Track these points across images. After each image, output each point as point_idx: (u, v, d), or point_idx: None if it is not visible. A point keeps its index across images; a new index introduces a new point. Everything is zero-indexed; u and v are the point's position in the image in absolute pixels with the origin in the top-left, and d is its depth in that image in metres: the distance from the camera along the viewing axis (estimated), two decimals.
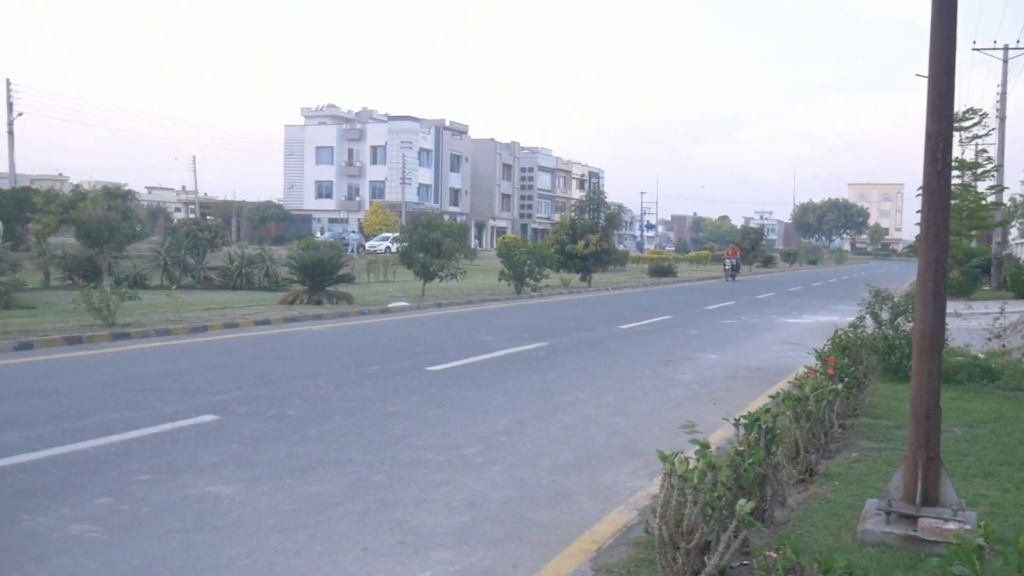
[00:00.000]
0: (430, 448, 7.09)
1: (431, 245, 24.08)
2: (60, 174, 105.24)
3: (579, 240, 33.83)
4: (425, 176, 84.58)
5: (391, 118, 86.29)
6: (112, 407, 8.28)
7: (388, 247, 53.37)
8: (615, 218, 36.39)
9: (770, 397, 6.29)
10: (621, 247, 65.34)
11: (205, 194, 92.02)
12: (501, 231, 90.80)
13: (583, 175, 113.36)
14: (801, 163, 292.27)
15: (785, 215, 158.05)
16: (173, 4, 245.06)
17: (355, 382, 10.09)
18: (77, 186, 54.25)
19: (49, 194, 39.66)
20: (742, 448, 5.04)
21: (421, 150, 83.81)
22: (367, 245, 59.56)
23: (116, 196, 35.38)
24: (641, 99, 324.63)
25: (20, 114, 52.20)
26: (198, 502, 5.52)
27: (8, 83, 52.20)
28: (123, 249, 27.50)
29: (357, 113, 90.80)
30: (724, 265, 47.52)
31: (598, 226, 34.81)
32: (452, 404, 9.00)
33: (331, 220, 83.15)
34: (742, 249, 54.11)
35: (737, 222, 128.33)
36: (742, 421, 5.42)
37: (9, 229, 29.70)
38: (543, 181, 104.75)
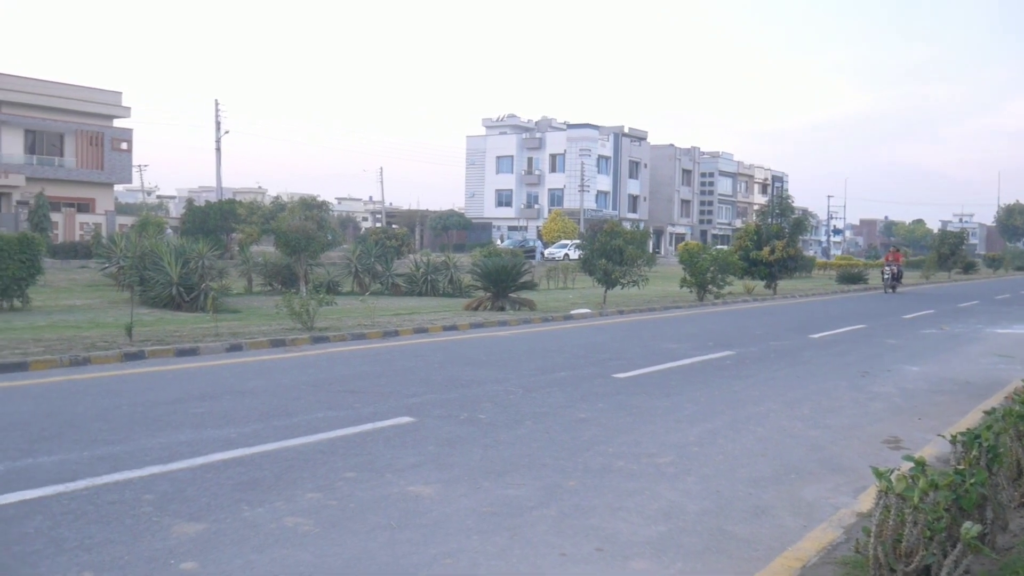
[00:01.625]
0: (621, 456, 7.04)
1: (613, 252, 24.00)
2: (260, 187, 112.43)
3: (764, 246, 32.84)
4: (604, 183, 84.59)
5: (570, 126, 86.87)
6: (316, 407, 8.71)
7: (567, 254, 53.73)
8: (801, 223, 35.08)
9: (985, 413, 5.86)
10: (808, 253, 62.93)
11: (391, 204, 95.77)
12: (680, 237, 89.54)
13: (766, 179, 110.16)
14: (1008, 162, 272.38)
15: (987, 218, 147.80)
16: (364, 26, 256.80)
17: (543, 388, 10.18)
18: (276, 198, 57.77)
19: (251, 206, 42.40)
20: (961, 467, 4.71)
21: (600, 157, 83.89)
22: (546, 252, 60.14)
23: (311, 207, 37.38)
24: (826, 97, 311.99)
25: (227, 132, 56.02)
26: (400, 501, 5.69)
27: (216, 103, 56.11)
28: (318, 257, 28.96)
29: (537, 122, 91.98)
30: (883, 273, 38.19)
31: (784, 231, 33.67)
32: (641, 412, 8.91)
33: (511, 228, 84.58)
34: (903, 254, 46.11)
35: (933, 225, 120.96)
36: (959, 438, 5.06)
37: (215, 239, 31.85)
38: (724, 186, 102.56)
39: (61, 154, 47.26)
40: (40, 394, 9.24)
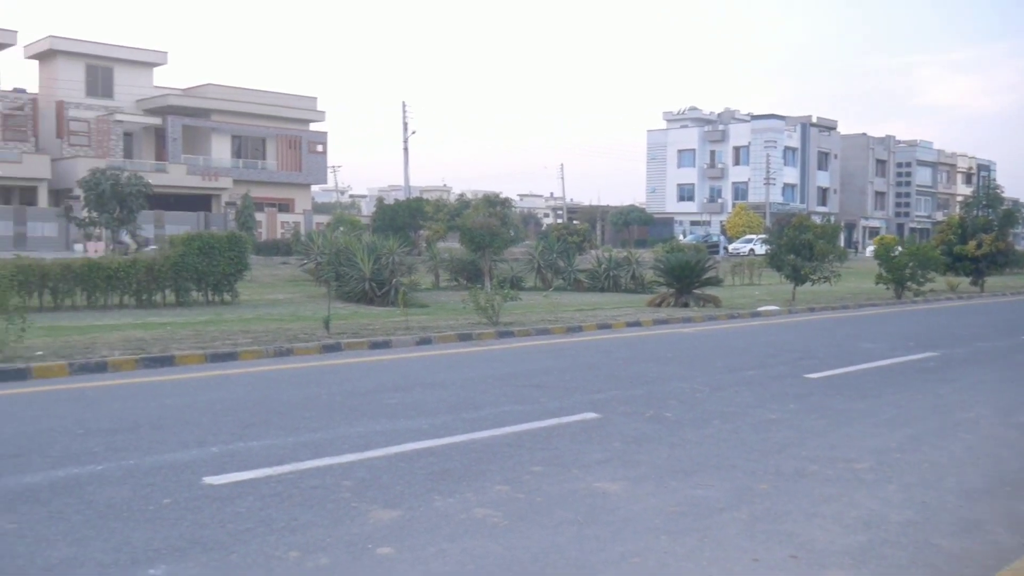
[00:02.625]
0: (815, 460, 6.75)
1: (802, 247, 23.14)
2: (445, 184, 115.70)
3: (969, 240, 30.73)
4: (790, 175, 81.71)
5: (754, 117, 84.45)
6: (502, 400, 8.85)
7: (752, 249, 52.29)
8: (1012, 215, 32.57)
9: None
10: (1020, 247, 58.34)
11: (572, 200, 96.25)
12: (874, 231, 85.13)
13: (969, 168, 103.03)
14: None
15: None
16: (545, 25, 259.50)
17: (730, 386, 9.92)
18: (461, 195, 59.26)
19: (438, 203, 43.66)
20: None
21: (786, 149, 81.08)
22: (730, 247, 58.76)
23: (495, 204, 38.09)
24: None
25: (414, 132, 58.06)
26: (587, 496, 5.69)
27: (404, 105, 58.19)
28: (501, 253, 29.50)
29: (719, 114, 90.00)
30: None
31: (992, 224, 31.38)
32: (836, 414, 8.52)
33: (693, 223, 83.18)
34: None
35: None
36: None
37: (404, 236, 33.02)
38: (922, 176, 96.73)
39: (264, 157, 50.41)
40: (249, 382, 9.87)
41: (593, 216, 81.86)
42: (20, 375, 9.65)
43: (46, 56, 46.20)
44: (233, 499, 5.45)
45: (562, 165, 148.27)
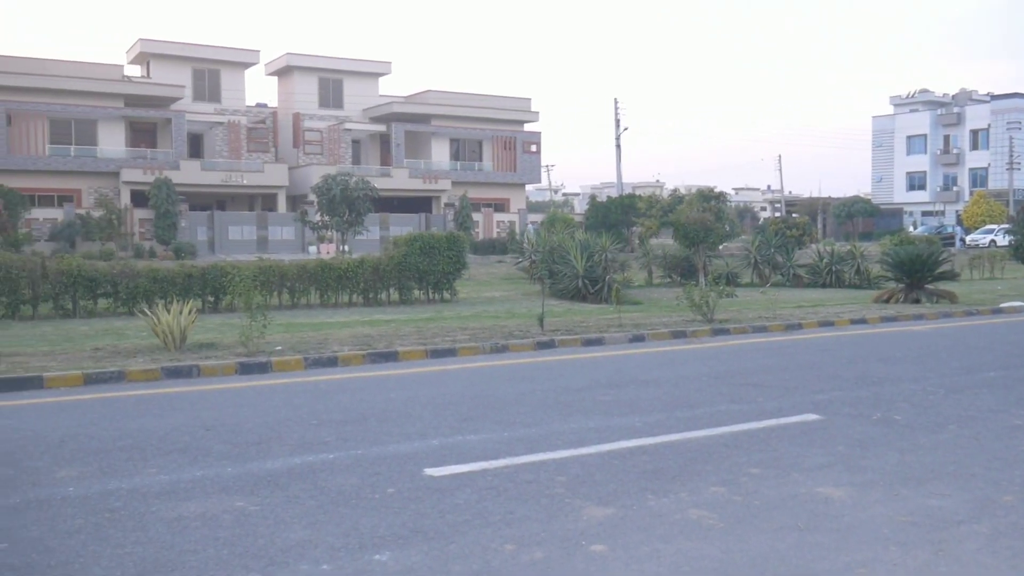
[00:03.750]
0: None
1: None
2: (657, 180, 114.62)
3: None
4: None
5: (994, 97, 77.93)
6: (718, 399, 8.65)
7: (993, 241, 48.40)
8: None
9: None
10: None
11: (790, 192, 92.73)
12: None
13: None
14: None
15: None
16: (754, 13, 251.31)
17: (968, 388, 9.19)
18: (674, 191, 58.45)
19: (650, 199, 43.34)
20: None
21: None
22: (967, 239, 54.55)
23: (709, 198, 37.33)
24: None
25: (626, 128, 57.93)
26: (808, 502, 5.45)
27: (615, 102, 58.16)
28: (716, 248, 28.88)
29: (953, 96, 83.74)
30: None
31: None
32: None
33: (924, 213, 77.94)
34: None
35: None
36: None
37: (617, 233, 33.00)
38: None
39: (480, 159, 51.95)
40: (467, 378, 10.20)
41: (813, 208, 78.41)
42: (262, 368, 10.46)
43: (284, 72, 49.82)
44: (452, 491, 5.64)
45: (780, 156, 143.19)
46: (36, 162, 39.59)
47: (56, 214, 37.03)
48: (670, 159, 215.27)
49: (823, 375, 10.14)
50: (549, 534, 4.87)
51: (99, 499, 5.42)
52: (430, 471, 6.05)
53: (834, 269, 27.64)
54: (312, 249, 38.45)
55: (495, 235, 45.85)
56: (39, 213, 36.69)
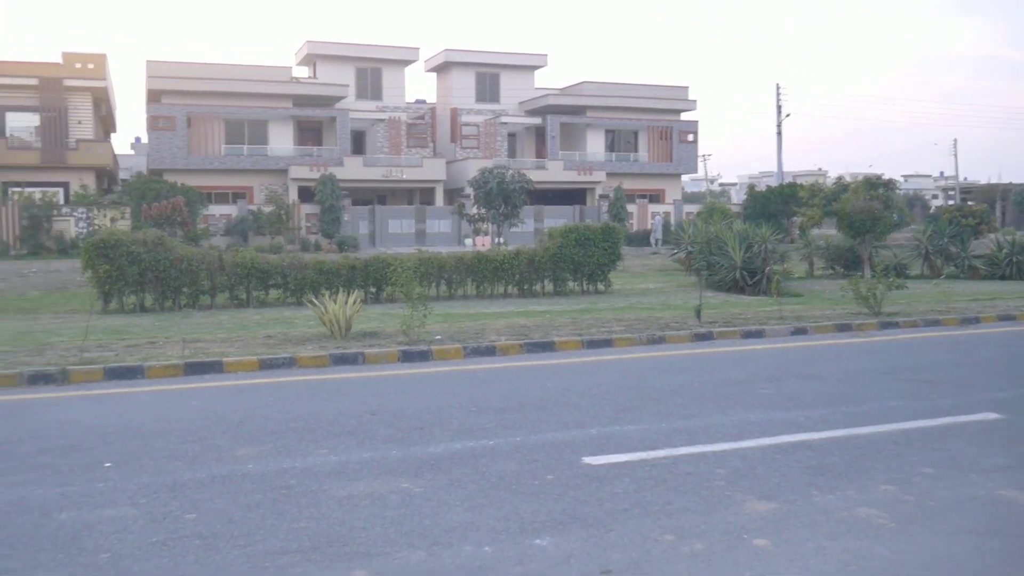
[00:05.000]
0: None
1: None
2: (819, 168, 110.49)
3: None
4: None
5: None
6: (886, 395, 8.28)
7: None
8: None
9: None
10: None
11: (965, 179, 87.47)
12: None
13: None
14: None
15: None
16: None
17: None
18: (838, 179, 56.22)
19: (812, 188, 41.84)
20: None
21: None
22: None
23: (876, 186, 35.72)
24: None
25: (788, 115, 56.09)
26: (988, 504, 5.15)
27: (777, 87, 56.41)
28: (883, 239, 27.54)
29: None
30: None
31: None
32: None
33: None
34: None
35: None
36: None
37: (775, 223, 32.02)
38: None
39: (635, 150, 51.51)
40: (623, 368, 10.16)
41: (991, 196, 73.55)
42: (423, 356, 10.77)
43: (442, 68, 50.91)
44: (610, 479, 5.65)
45: (955, 141, 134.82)
46: (213, 161, 42.06)
47: (231, 210, 39.22)
48: (835, 146, 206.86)
49: (1003, 372, 9.55)
50: (709, 526, 4.81)
51: (275, 476, 5.74)
52: (588, 460, 6.08)
53: (1015, 260, 25.85)
54: (468, 241, 39.18)
55: (649, 226, 45.38)
56: (215, 209, 38.92)
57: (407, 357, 10.69)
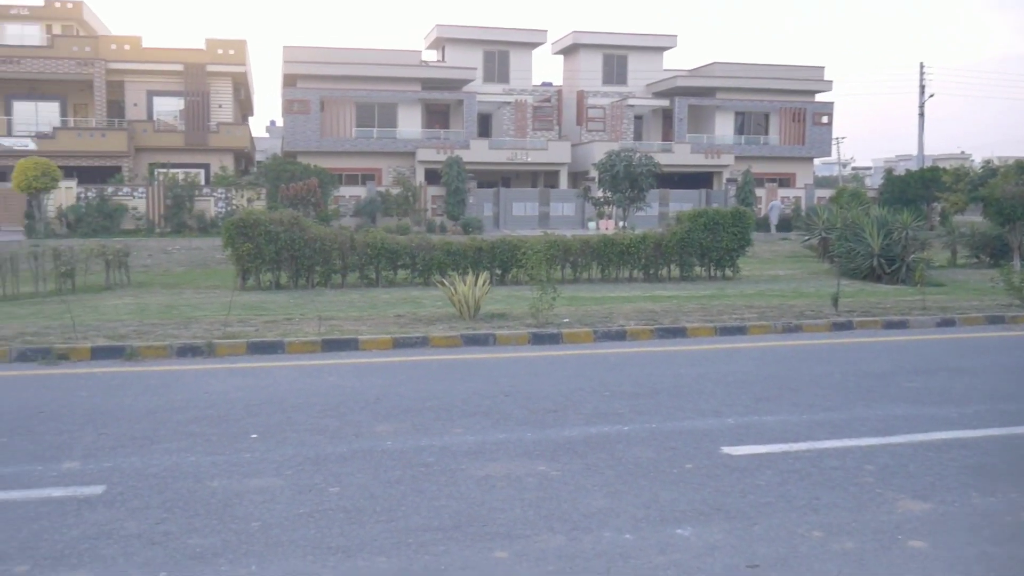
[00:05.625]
0: None
1: None
2: (963, 152, 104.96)
3: None
4: None
5: None
6: None
7: None
8: None
9: None
10: None
11: None
12: None
13: None
14: None
15: None
16: None
17: None
18: (986, 162, 53.25)
19: (957, 172, 39.76)
20: None
21: None
22: None
23: None
24: None
25: (931, 95, 53.52)
26: None
27: (921, 66, 53.86)
28: None
29: None
30: None
31: None
32: None
33: None
34: None
35: None
36: None
37: (915, 209, 30.59)
38: None
39: (766, 132, 50.11)
40: (758, 357, 9.86)
41: None
42: (553, 339, 10.74)
43: (569, 51, 50.65)
44: (752, 471, 5.48)
45: None
46: (344, 144, 43.08)
47: (360, 191, 40.10)
48: (982, 127, 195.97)
49: None
50: (860, 524, 4.60)
51: (414, 454, 5.81)
52: (727, 450, 5.92)
53: None
54: (591, 225, 38.95)
55: (764, 212, 44.14)
56: (345, 191, 39.88)
57: (537, 339, 10.68)
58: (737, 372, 8.82)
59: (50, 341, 9.89)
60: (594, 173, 35.12)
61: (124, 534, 4.42)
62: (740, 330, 11.43)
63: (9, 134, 38.81)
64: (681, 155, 46.05)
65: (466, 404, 7.26)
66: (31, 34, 42.16)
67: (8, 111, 40.33)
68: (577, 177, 46.28)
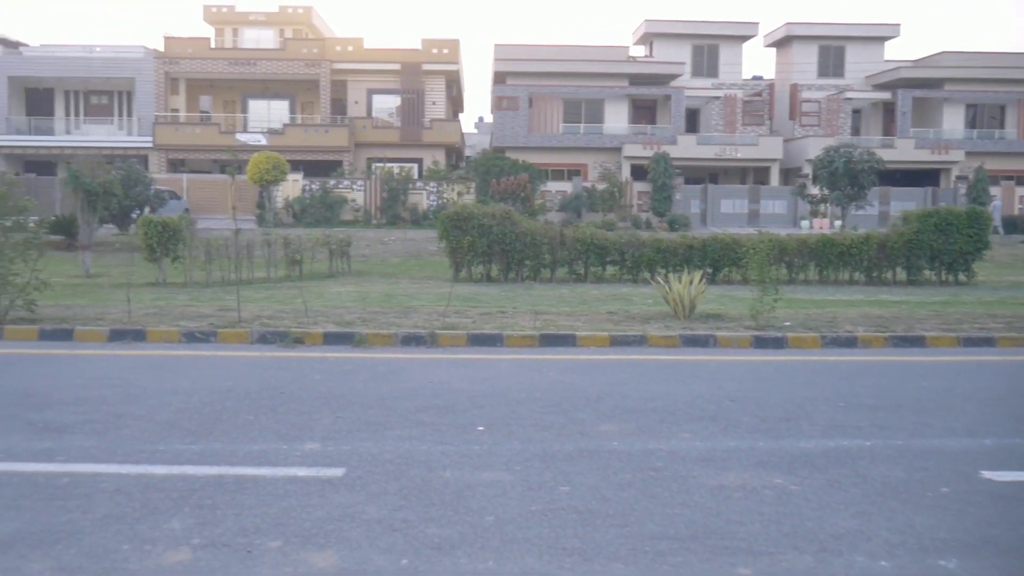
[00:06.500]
0: None
1: None
2: None
3: None
4: None
5: None
6: None
7: None
8: None
9: None
10: None
11: None
12: None
13: None
14: None
15: None
16: None
17: None
18: None
19: None
20: None
21: None
22: None
23: None
24: None
25: None
26: None
27: None
28: None
29: None
30: None
31: None
32: None
33: None
34: None
35: None
36: None
37: None
38: None
39: (1001, 126, 46.30)
40: (1013, 372, 9.02)
41: None
42: (777, 343, 10.26)
43: (782, 43, 48.79)
44: (1020, 500, 4.95)
45: None
46: (551, 139, 43.49)
47: (565, 187, 40.32)
48: None
49: None
50: None
51: (642, 457, 5.64)
52: (988, 474, 5.38)
53: None
54: (804, 223, 37.31)
55: (1017, 212, 40.62)
56: (552, 186, 40.22)
57: (760, 343, 10.23)
58: (988, 388, 8.07)
59: (286, 325, 10.47)
60: (808, 169, 33.63)
61: (365, 518, 4.52)
62: (987, 341, 10.47)
63: (245, 130, 41.88)
64: (904, 151, 43.32)
65: (690, 407, 7.01)
66: (266, 38, 45.28)
67: (244, 109, 43.51)
68: (789, 174, 44.53)
